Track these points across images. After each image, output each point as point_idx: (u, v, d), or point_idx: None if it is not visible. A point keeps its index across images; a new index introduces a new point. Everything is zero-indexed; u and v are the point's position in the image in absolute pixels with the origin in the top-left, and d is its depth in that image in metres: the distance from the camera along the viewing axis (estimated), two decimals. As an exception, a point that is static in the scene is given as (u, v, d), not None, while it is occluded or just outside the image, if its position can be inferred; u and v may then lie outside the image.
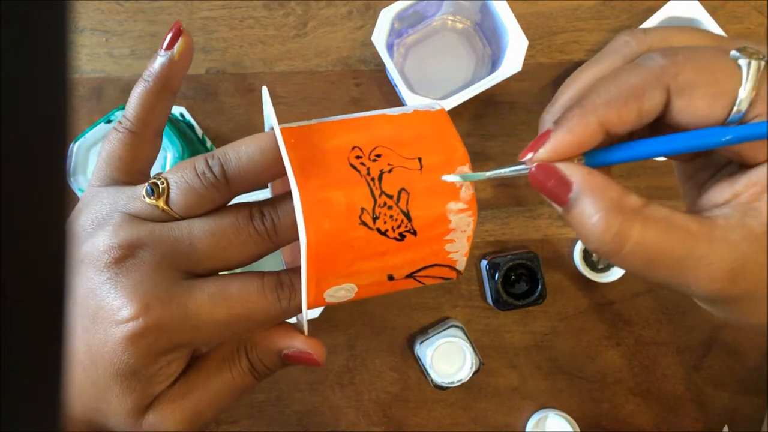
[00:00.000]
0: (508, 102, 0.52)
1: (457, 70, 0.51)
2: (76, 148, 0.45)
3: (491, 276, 0.49)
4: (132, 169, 0.29)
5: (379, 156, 0.26)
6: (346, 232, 0.25)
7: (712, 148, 0.25)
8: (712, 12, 0.46)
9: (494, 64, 0.49)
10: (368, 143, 0.26)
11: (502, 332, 0.51)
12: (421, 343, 0.49)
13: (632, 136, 0.27)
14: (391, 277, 0.27)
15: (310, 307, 0.26)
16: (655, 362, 0.52)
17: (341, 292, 0.27)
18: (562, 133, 0.25)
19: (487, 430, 0.51)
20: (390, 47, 0.49)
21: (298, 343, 0.28)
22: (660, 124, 0.25)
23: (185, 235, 0.26)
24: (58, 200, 0.15)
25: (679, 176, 0.30)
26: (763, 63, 0.23)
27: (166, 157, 0.44)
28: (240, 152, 0.26)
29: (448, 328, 0.48)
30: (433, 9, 0.49)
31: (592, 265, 0.50)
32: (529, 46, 0.45)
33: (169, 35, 0.29)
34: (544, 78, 0.52)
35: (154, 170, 0.45)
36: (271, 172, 0.27)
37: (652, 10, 0.46)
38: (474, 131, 0.52)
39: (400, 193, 0.25)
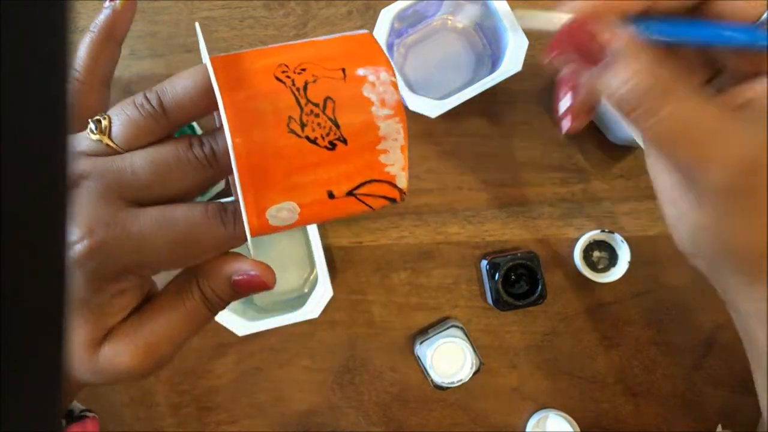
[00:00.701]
0: (508, 102, 0.52)
1: (457, 70, 0.51)
2: (75, 148, 0.45)
3: (491, 276, 0.49)
4: (81, 116, 0.30)
5: (303, 70, 0.27)
6: (276, 140, 0.26)
7: (749, 44, 0.25)
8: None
9: (494, 64, 0.49)
10: (294, 61, 0.27)
11: (502, 332, 0.51)
12: (421, 343, 0.49)
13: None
14: (331, 195, 0.27)
15: (255, 232, 0.27)
16: (655, 362, 0.52)
17: (284, 213, 0.27)
18: None
19: (487, 430, 0.51)
20: (390, 47, 0.49)
21: (246, 266, 0.29)
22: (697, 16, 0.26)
23: (127, 165, 0.27)
24: (58, 200, 0.15)
25: None
26: None
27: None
28: (176, 84, 0.27)
29: (448, 328, 0.48)
30: (433, 9, 0.49)
31: (592, 265, 0.50)
32: (529, 46, 0.45)
33: None
34: (545, 78, 0.52)
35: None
36: (205, 101, 0.27)
37: (652, 10, 0.46)
38: (474, 131, 0.52)
39: (325, 101, 0.26)
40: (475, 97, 0.45)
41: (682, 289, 0.51)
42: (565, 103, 0.28)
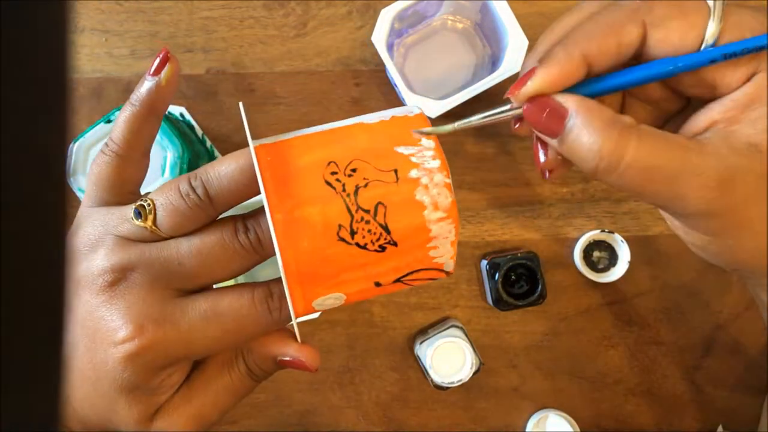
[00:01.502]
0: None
1: (457, 70, 0.51)
2: (76, 148, 0.45)
3: (491, 276, 0.49)
4: (121, 190, 0.30)
5: (354, 171, 0.26)
6: (324, 249, 0.25)
7: (690, 69, 0.26)
8: (712, 12, 0.46)
9: (494, 64, 0.49)
10: (344, 158, 0.26)
11: (502, 332, 0.51)
12: (421, 343, 0.49)
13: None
14: (378, 284, 0.27)
15: (301, 315, 0.27)
16: (655, 362, 0.52)
17: (329, 301, 0.27)
18: (548, 67, 0.26)
19: (487, 430, 0.51)
20: (390, 47, 0.49)
21: (292, 351, 0.30)
22: (637, 63, 0.27)
23: (173, 255, 0.27)
24: (59, 200, 0.15)
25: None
26: None
27: (166, 157, 0.44)
28: (221, 172, 0.27)
29: (448, 328, 0.48)
30: (433, 9, 0.49)
31: (592, 265, 0.50)
32: (530, 45, 0.45)
33: (157, 60, 0.29)
34: (544, 78, 0.52)
35: (155, 170, 0.45)
36: (251, 189, 0.27)
37: (652, 10, 0.46)
38: (474, 131, 0.52)
39: (377, 207, 0.26)
40: (475, 96, 0.45)
41: (682, 289, 0.51)
42: (541, 158, 0.30)
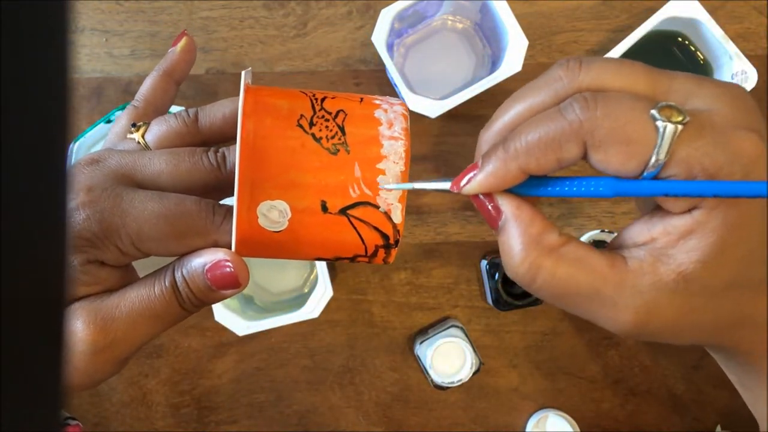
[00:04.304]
0: (508, 102, 0.52)
1: (457, 70, 0.51)
2: (76, 148, 0.45)
3: (491, 276, 0.49)
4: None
5: (326, 97, 0.29)
6: (283, 130, 0.27)
7: (628, 196, 0.26)
8: (712, 12, 0.46)
9: (494, 64, 0.49)
10: (321, 91, 0.30)
11: (502, 332, 0.51)
12: (421, 343, 0.49)
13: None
14: (324, 207, 0.27)
15: (242, 229, 0.27)
16: (655, 362, 0.52)
17: (275, 213, 0.27)
18: (485, 174, 0.27)
19: (487, 430, 0.51)
20: (390, 47, 0.49)
21: (221, 255, 0.28)
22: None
23: (147, 155, 0.30)
24: (59, 200, 0.15)
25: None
26: (680, 127, 0.24)
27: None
28: (215, 105, 0.31)
29: (448, 328, 0.48)
30: (433, 9, 0.49)
31: (592, 265, 0.50)
32: (529, 46, 0.45)
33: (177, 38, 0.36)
34: (544, 78, 0.52)
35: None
36: (236, 126, 0.29)
37: (652, 10, 0.46)
38: (473, 131, 0.51)
39: (338, 112, 0.28)
40: (475, 97, 0.45)
41: (682, 289, 0.51)
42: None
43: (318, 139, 0.27)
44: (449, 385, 0.48)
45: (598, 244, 0.51)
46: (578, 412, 0.51)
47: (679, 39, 0.49)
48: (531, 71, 0.51)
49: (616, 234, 0.49)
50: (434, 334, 0.49)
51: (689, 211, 0.25)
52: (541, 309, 0.50)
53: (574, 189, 0.27)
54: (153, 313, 0.29)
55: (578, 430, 0.50)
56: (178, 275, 0.29)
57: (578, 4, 0.52)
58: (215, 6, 0.51)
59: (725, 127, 0.24)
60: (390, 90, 0.51)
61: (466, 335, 0.49)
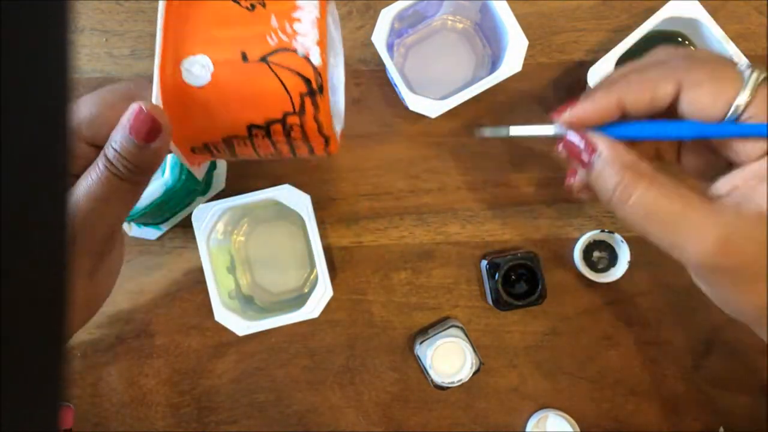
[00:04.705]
0: (508, 102, 0.52)
1: (457, 70, 0.51)
2: (76, 147, 0.45)
3: (491, 276, 0.49)
4: None
5: None
6: None
7: (709, 138, 0.29)
8: (713, 12, 0.46)
9: (494, 64, 0.49)
10: None
11: (502, 332, 0.51)
12: (421, 343, 0.49)
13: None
14: (245, 57, 0.29)
15: (166, 83, 0.29)
16: (655, 362, 0.52)
17: (197, 68, 0.29)
18: (586, 103, 0.31)
19: (487, 430, 0.51)
20: (390, 47, 0.49)
21: (135, 105, 0.29)
22: (668, 117, 0.30)
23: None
24: (59, 200, 0.15)
25: (695, 177, 0.34)
26: (763, 75, 0.27)
27: (166, 158, 0.44)
28: None
29: (448, 328, 0.48)
30: (433, 9, 0.49)
31: (592, 265, 0.50)
32: (529, 46, 0.45)
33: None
34: (544, 78, 0.52)
35: (156, 175, 0.45)
36: None
37: (652, 10, 0.46)
38: (473, 131, 0.52)
39: None
40: (475, 97, 0.45)
41: (682, 289, 0.51)
42: (571, 179, 0.35)
43: (236, 0, 0.29)
44: (449, 385, 0.48)
45: (598, 245, 0.51)
46: (578, 412, 0.51)
47: (679, 39, 0.49)
48: (531, 71, 0.51)
49: (616, 234, 0.49)
50: (434, 334, 0.49)
51: (765, 156, 0.28)
52: (541, 309, 0.50)
53: (661, 130, 0.30)
54: (96, 196, 0.29)
55: (578, 430, 0.50)
56: (108, 150, 0.29)
57: (578, 4, 0.52)
58: (215, 6, 0.51)
59: None
60: (390, 90, 0.51)
61: (466, 335, 0.49)
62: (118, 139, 0.29)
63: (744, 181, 0.28)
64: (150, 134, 0.29)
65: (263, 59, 0.29)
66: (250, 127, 0.29)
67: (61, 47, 0.14)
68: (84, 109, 0.31)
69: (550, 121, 0.33)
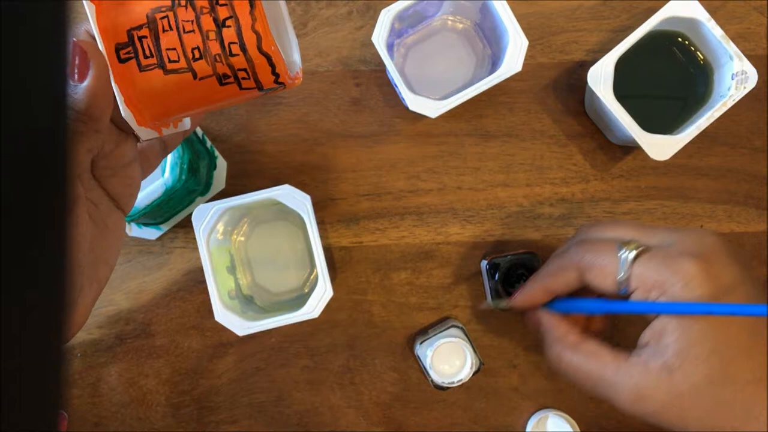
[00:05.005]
0: (508, 102, 0.52)
1: (457, 71, 0.51)
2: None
3: (491, 276, 0.49)
4: None
5: None
6: None
7: (612, 313, 0.38)
8: (713, 12, 0.46)
9: (494, 65, 0.49)
10: None
11: (502, 332, 0.51)
12: (421, 343, 0.49)
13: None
14: None
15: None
16: (655, 362, 0.52)
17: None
18: (522, 293, 0.42)
19: (487, 430, 0.51)
20: (390, 47, 0.49)
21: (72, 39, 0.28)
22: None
23: None
24: (60, 200, 0.15)
25: None
26: (634, 252, 0.35)
27: (166, 158, 0.44)
28: None
29: (448, 328, 0.48)
30: (433, 9, 0.49)
31: (592, 265, 0.50)
32: (529, 46, 0.45)
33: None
34: (544, 78, 0.52)
35: (156, 174, 0.45)
36: None
37: (652, 10, 0.46)
38: (474, 131, 0.52)
39: None
40: (475, 97, 0.45)
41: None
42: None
43: None
44: (449, 385, 0.48)
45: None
46: (578, 412, 0.51)
47: (680, 39, 0.49)
48: (531, 71, 0.51)
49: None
50: (434, 334, 0.49)
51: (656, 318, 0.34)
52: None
53: (578, 306, 0.40)
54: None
55: (578, 430, 0.50)
56: None
57: (578, 4, 0.52)
58: (215, 6, 0.51)
59: (674, 254, 0.34)
60: (390, 90, 0.51)
61: (466, 335, 0.49)
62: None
63: (651, 335, 0.34)
64: (79, 69, 0.28)
65: None
66: None
67: (60, 47, 0.14)
68: None
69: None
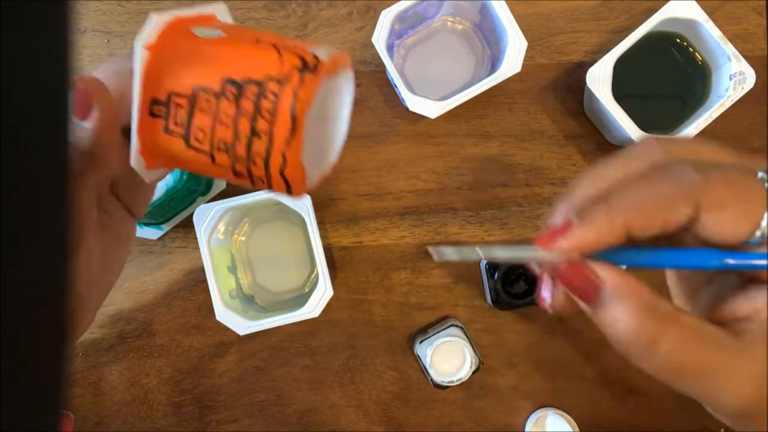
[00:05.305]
0: (507, 103, 0.52)
1: (456, 71, 0.51)
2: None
3: (491, 276, 0.49)
4: None
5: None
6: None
7: (731, 270, 0.25)
8: (711, 13, 0.46)
9: (494, 65, 0.49)
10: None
11: (501, 332, 0.52)
12: (421, 342, 0.49)
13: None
14: (258, 41, 0.29)
15: (166, 30, 0.28)
16: (654, 362, 0.52)
17: (207, 31, 0.29)
18: (585, 229, 0.24)
19: (486, 429, 0.51)
20: (390, 48, 0.49)
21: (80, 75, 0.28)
22: (679, 233, 0.25)
23: None
24: (60, 200, 0.15)
25: (668, 276, 0.30)
26: None
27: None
28: None
29: (448, 327, 0.49)
30: (433, 10, 0.50)
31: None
32: (528, 47, 0.46)
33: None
34: (543, 79, 0.52)
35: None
36: None
37: (651, 11, 0.46)
38: (474, 132, 0.52)
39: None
40: (474, 97, 0.46)
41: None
42: (546, 297, 0.28)
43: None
44: (449, 384, 0.48)
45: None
46: (577, 411, 0.51)
47: (678, 40, 0.49)
48: (530, 72, 0.52)
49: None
50: (434, 334, 0.49)
51: None
52: (541, 308, 0.50)
53: (678, 261, 0.25)
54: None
55: (577, 429, 0.50)
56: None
57: (577, 5, 0.52)
58: (216, 7, 0.51)
59: None
60: (390, 90, 0.52)
61: (466, 334, 0.49)
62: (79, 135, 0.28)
63: (759, 307, 0.24)
64: (81, 108, 0.27)
65: (274, 44, 0.28)
66: (225, 82, 0.28)
67: (63, 48, 0.14)
68: None
69: (528, 243, 0.26)
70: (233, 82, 0.27)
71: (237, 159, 0.28)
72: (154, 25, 0.28)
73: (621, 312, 0.24)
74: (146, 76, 0.28)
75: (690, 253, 0.25)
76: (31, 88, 0.14)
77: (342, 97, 0.33)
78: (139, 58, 0.28)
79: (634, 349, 0.24)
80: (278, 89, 0.27)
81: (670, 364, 0.24)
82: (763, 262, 0.24)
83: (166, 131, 0.29)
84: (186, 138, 0.29)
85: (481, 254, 0.25)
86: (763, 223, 0.23)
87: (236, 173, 0.29)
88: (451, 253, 0.25)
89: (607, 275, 0.25)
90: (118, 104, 0.28)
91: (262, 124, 0.28)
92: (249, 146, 0.28)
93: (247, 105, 0.27)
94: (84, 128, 0.27)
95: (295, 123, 0.27)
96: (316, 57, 0.28)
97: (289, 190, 0.29)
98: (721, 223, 0.24)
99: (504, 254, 0.25)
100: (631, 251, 0.26)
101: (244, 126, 0.28)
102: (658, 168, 0.25)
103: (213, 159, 0.29)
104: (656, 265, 0.26)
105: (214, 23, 0.30)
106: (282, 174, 0.28)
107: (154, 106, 0.28)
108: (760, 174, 0.24)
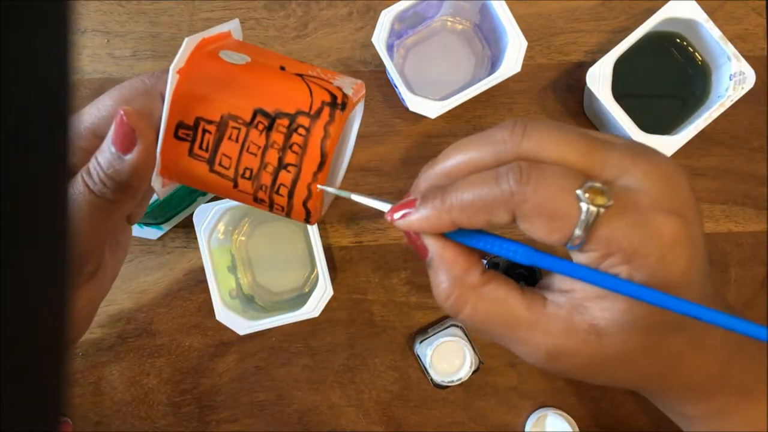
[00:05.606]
0: (507, 103, 0.52)
1: (456, 71, 0.51)
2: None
3: (490, 276, 0.49)
4: None
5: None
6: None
7: (541, 267, 0.28)
8: (711, 13, 0.46)
9: (493, 65, 0.49)
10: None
11: (501, 332, 0.52)
12: (421, 342, 0.49)
13: None
14: (282, 68, 0.30)
15: (195, 57, 0.29)
16: (654, 362, 0.52)
17: (235, 56, 0.29)
18: (419, 217, 0.28)
19: (486, 429, 0.51)
20: (390, 48, 0.49)
21: (120, 110, 0.28)
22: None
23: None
24: (60, 200, 0.15)
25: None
26: (602, 210, 0.25)
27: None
28: None
29: (447, 327, 0.49)
30: (432, 10, 0.50)
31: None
32: (528, 47, 0.46)
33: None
34: (543, 79, 0.52)
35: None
36: None
37: (651, 11, 0.46)
38: (473, 132, 0.52)
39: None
40: (474, 97, 0.46)
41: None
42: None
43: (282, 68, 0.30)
44: (449, 384, 0.48)
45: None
46: (577, 411, 0.51)
47: (678, 40, 0.49)
48: (530, 72, 0.52)
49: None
50: (434, 334, 0.49)
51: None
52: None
53: (495, 248, 0.29)
54: (74, 218, 0.28)
55: (577, 429, 0.50)
56: (91, 164, 0.29)
57: (577, 4, 0.52)
58: (216, 7, 0.51)
59: (648, 209, 0.26)
60: (390, 91, 0.52)
61: (466, 334, 0.49)
62: (102, 147, 0.28)
63: (582, 289, 0.27)
64: (124, 143, 0.28)
65: (299, 75, 0.29)
66: (256, 112, 0.28)
67: (63, 48, 0.14)
68: (101, 105, 0.30)
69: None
70: (264, 113, 0.28)
71: (260, 187, 0.29)
72: (184, 48, 0.28)
73: (438, 275, 0.29)
74: (174, 100, 0.28)
75: (515, 247, 0.28)
76: (31, 88, 0.14)
77: (353, 122, 0.34)
78: (172, 82, 0.28)
79: (446, 308, 0.29)
80: (309, 124, 0.28)
81: (470, 323, 0.29)
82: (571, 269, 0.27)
83: (190, 155, 0.29)
84: (210, 163, 0.29)
85: (351, 196, 0.30)
86: (573, 237, 0.26)
87: (257, 200, 0.30)
88: (330, 191, 0.30)
89: (431, 244, 0.29)
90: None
91: (290, 157, 0.28)
92: (275, 177, 0.29)
93: (277, 137, 0.28)
94: (124, 161, 0.28)
95: (324, 158, 0.28)
96: (343, 92, 0.29)
97: (307, 219, 0.30)
98: (533, 230, 0.27)
99: (363, 201, 0.30)
100: (465, 233, 0.29)
101: (272, 157, 0.28)
102: (495, 169, 0.27)
103: (236, 185, 0.29)
104: (485, 249, 0.29)
105: (230, 42, 0.31)
106: (305, 205, 0.29)
107: (180, 130, 0.29)
108: (578, 193, 0.25)
